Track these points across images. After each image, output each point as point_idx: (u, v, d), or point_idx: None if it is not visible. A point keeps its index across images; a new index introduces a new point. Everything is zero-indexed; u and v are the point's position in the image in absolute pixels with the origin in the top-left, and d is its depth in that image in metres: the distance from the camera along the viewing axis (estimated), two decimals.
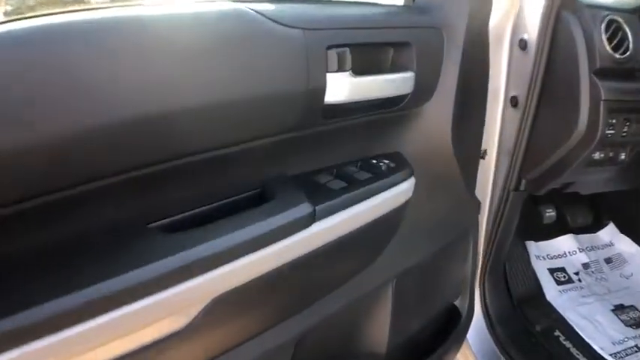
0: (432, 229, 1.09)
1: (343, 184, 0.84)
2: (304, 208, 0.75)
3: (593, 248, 1.78)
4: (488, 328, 1.55)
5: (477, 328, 1.52)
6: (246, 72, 0.66)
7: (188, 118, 0.62)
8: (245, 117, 0.69)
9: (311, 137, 0.82)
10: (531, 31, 1.22)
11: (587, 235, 1.81)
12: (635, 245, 1.77)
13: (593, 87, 1.20)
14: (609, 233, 1.81)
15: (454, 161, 1.04)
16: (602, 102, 1.19)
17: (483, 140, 1.23)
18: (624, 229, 1.80)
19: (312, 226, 0.76)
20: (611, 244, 1.79)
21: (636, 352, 1.45)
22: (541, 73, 1.24)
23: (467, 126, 1.08)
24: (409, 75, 0.89)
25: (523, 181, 1.39)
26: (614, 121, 1.22)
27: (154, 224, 0.67)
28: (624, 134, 1.26)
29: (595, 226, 1.83)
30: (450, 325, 1.27)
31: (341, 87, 0.77)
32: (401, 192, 0.93)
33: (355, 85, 0.79)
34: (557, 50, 1.22)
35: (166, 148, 0.62)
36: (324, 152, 0.88)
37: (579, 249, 1.77)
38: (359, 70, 0.80)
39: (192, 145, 0.65)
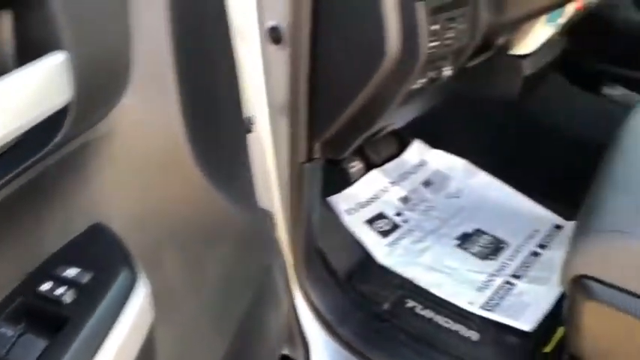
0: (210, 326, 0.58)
1: None
2: None
3: (405, 176, 1.41)
4: (331, 336, 1.15)
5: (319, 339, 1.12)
6: None
7: None
8: None
9: None
10: None
11: (392, 162, 1.43)
12: (449, 155, 1.45)
13: None
14: (416, 152, 1.45)
15: (202, 181, 0.57)
16: (416, 1, 0.72)
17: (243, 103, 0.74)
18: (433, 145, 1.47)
19: None
20: (422, 164, 1.44)
21: (509, 289, 1.15)
22: None
23: (214, 106, 0.61)
24: (54, 61, 0.32)
25: (316, 146, 0.93)
26: (437, 26, 0.76)
27: None
28: (449, 41, 0.81)
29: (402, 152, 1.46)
30: None
31: None
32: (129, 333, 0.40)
33: None
34: None
35: None
36: None
37: (391, 183, 1.39)
38: None
39: None
